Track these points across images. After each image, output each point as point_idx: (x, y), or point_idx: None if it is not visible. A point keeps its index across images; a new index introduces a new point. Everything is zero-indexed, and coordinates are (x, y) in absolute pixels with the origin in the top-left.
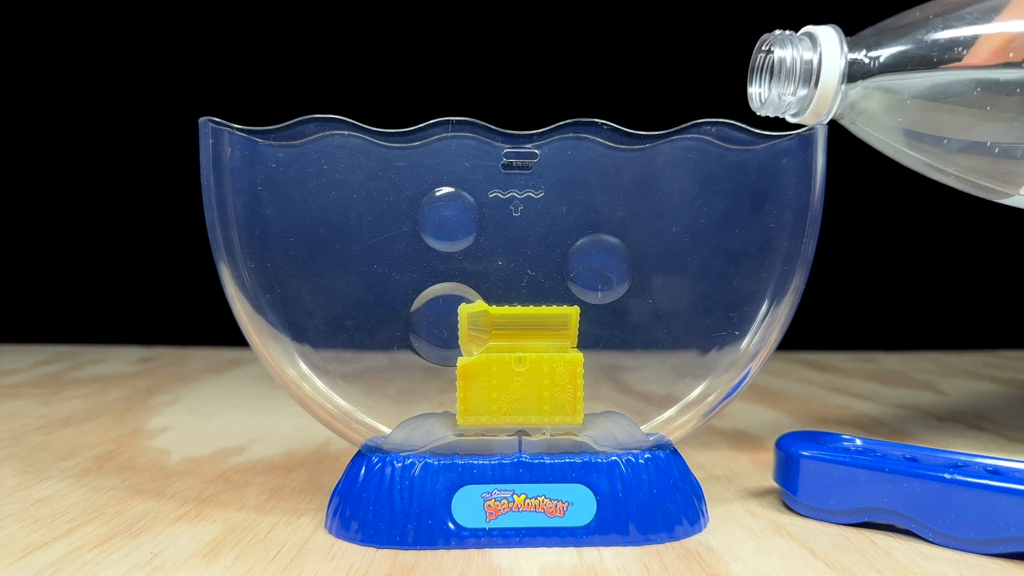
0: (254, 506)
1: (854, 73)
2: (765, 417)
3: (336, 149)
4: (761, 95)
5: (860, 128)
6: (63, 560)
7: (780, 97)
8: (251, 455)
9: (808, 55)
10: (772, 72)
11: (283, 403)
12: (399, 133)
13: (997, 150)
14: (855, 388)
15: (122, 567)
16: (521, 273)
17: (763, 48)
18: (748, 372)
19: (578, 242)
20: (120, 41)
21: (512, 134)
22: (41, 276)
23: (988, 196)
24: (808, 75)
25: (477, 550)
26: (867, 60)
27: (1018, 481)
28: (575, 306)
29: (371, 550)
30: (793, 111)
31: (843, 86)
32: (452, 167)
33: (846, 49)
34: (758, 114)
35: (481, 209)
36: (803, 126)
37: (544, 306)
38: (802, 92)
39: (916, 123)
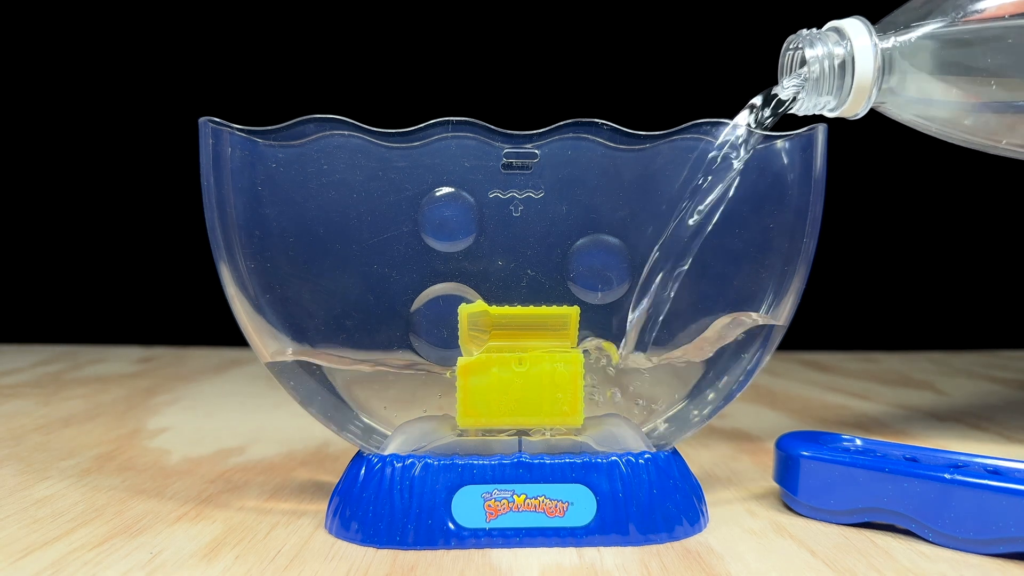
0: (254, 506)
1: (887, 59)
2: (765, 417)
3: (336, 149)
4: (796, 94)
5: (898, 113)
6: (63, 560)
7: (816, 96)
8: (251, 455)
9: (839, 50)
10: (804, 71)
11: (283, 403)
12: (399, 133)
13: None
14: (855, 388)
15: (122, 567)
16: (521, 273)
17: (791, 47)
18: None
19: (578, 242)
20: (120, 41)
21: (512, 134)
22: (41, 276)
23: None
24: (843, 70)
25: (477, 550)
26: (898, 44)
27: (1018, 481)
28: (575, 306)
29: (371, 550)
30: (831, 107)
31: (878, 74)
32: (452, 167)
33: (875, 38)
34: (798, 114)
35: (481, 209)
36: (807, 123)
37: (544, 306)
38: (838, 88)
39: (957, 96)
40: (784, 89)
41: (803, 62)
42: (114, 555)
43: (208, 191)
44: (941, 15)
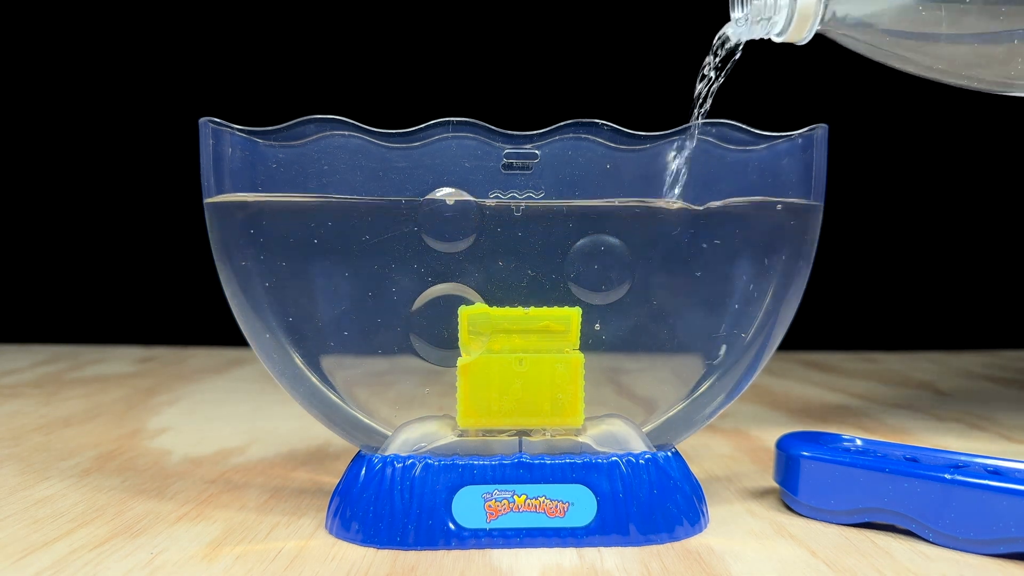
0: (254, 506)
1: None
2: (765, 417)
3: (336, 149)
4: (745, 19)
5: (847, 37)
6: (63, 560)
7: (761, 18)
8: (251, 455)
9: None
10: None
11: (283, 403)
12: (399, 133)
13: (994, 36)
14: (855, 388)
15: (122, 567)
16: (521, 273)
17: None
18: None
19: (578, 242)
20: (120, 41)
21: (512, 134)
22: (41, 276)
23: (987, 89)
24: None
25: (477, 550)
26: None
27: (1018, 481)
28: (576, 307)
29: (371, 551)
30: (777, 30)
31: None
32: (452, 167)
33: None
34: (742, 40)
35: (481, 209)
36: (807, 123)
37: (545, 307)
38: (783, 7)
39: (904, 22)
40: (736, 20)
41: None
42: (114, 555)
43: (208, 191)
44: None
